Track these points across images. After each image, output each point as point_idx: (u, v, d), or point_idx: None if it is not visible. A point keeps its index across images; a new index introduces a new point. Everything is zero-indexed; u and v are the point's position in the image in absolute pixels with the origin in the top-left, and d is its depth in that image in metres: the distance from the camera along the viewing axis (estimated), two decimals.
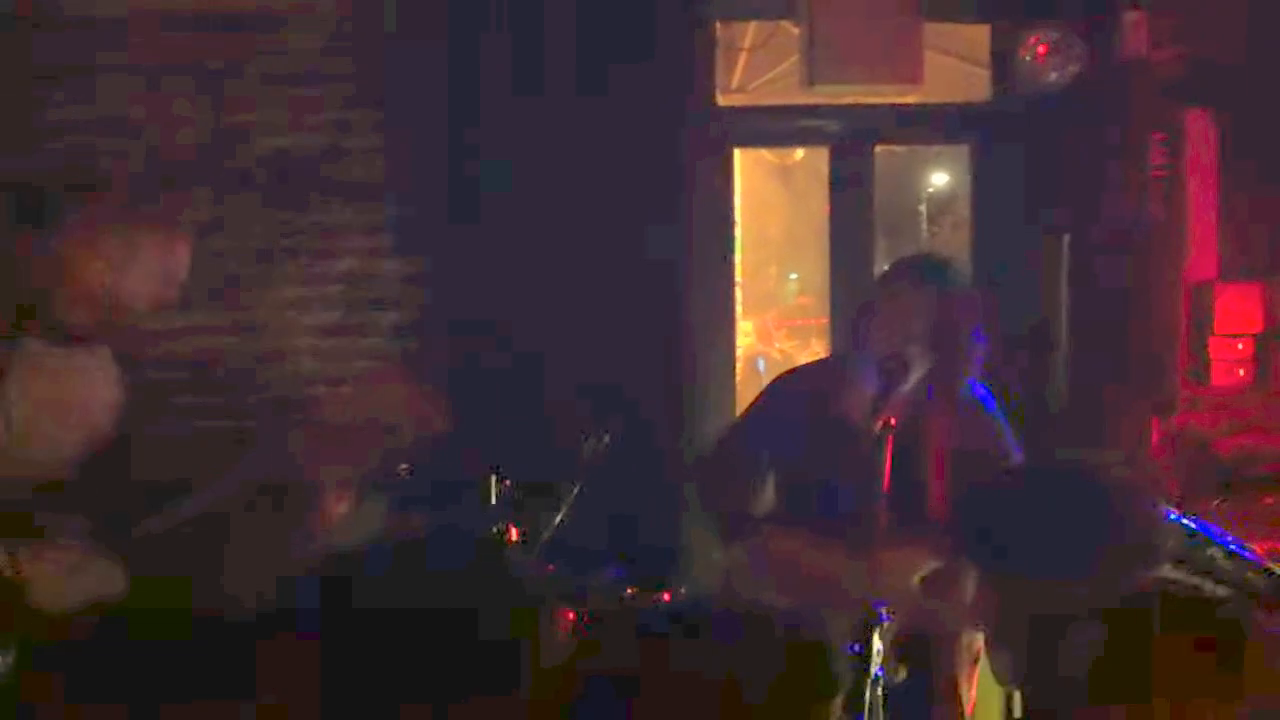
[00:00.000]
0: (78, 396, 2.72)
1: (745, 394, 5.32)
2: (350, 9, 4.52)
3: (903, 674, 2.69)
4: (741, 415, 3.46)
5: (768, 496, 3.19)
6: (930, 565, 2.90)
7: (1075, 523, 1.82)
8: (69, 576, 2.55)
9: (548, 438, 3.56)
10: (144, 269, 2.66)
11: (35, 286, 2.64)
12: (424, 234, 4.56)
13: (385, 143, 4.53)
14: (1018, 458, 3.07)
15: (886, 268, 3.53)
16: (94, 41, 4.39)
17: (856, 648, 2.64)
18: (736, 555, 3.25)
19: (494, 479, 3.44)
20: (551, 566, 3.08)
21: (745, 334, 7.23)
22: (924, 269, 3.21)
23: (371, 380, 3.09)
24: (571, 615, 2.91)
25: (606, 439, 3.15)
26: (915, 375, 2.87)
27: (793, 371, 3.47)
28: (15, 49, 4.29)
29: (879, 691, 2.69)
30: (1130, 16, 4.64)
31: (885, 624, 2.70)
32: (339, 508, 2.60)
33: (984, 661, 3.22)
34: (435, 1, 4.49)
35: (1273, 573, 2.34)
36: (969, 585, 2.96)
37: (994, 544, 1.88)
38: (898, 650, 2.67)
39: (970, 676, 3.17)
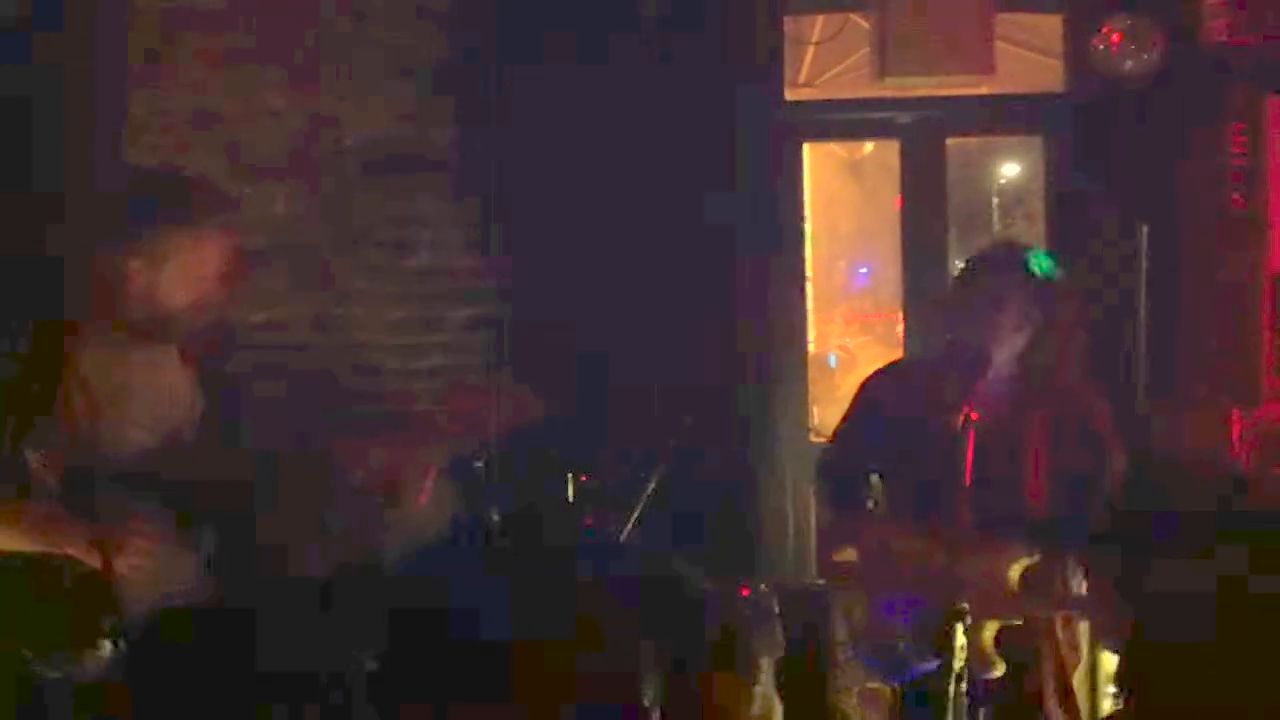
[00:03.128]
0: (149, 388, 2.77)
1: (816, 390, 5.32)
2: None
3: (1000, 669, 2.66)
4: (842, 420, 3.37)
5: (879, 497, 3.17)
6: (1026, 559, 2.86)
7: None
8: (152, 569, 2.58)
9: (624, 432, 3.57)
10: (187, 269, 2.70)
11: (106, 285, 2.69)
12: (501, 228, 4.57)
13: (463, 136, 4.55)
14: (1118, 447, 3.00)
15: (970, 257, 3.38)
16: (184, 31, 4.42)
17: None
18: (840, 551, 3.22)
19: (571, 476, 3.44)
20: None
21: (817, 329, 7.17)
22: (1013, 258, 3.08)
23: (462, 394, 3.11)
24: None
25: (685, 433, 3.15)
26: (995, 366, 2.83)
27: (877, 374, 3.38)
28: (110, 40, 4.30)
29: (962, 687, 2.67)
30: (1211, 3, 4.56)
31: (968, 620, 2.68)
32: (417, 497, 2.63)
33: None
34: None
35: None
36: (1069, 578, 2.93)
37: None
38: (997, 646, 2.64)
39: (1075, 671, 3.12)
